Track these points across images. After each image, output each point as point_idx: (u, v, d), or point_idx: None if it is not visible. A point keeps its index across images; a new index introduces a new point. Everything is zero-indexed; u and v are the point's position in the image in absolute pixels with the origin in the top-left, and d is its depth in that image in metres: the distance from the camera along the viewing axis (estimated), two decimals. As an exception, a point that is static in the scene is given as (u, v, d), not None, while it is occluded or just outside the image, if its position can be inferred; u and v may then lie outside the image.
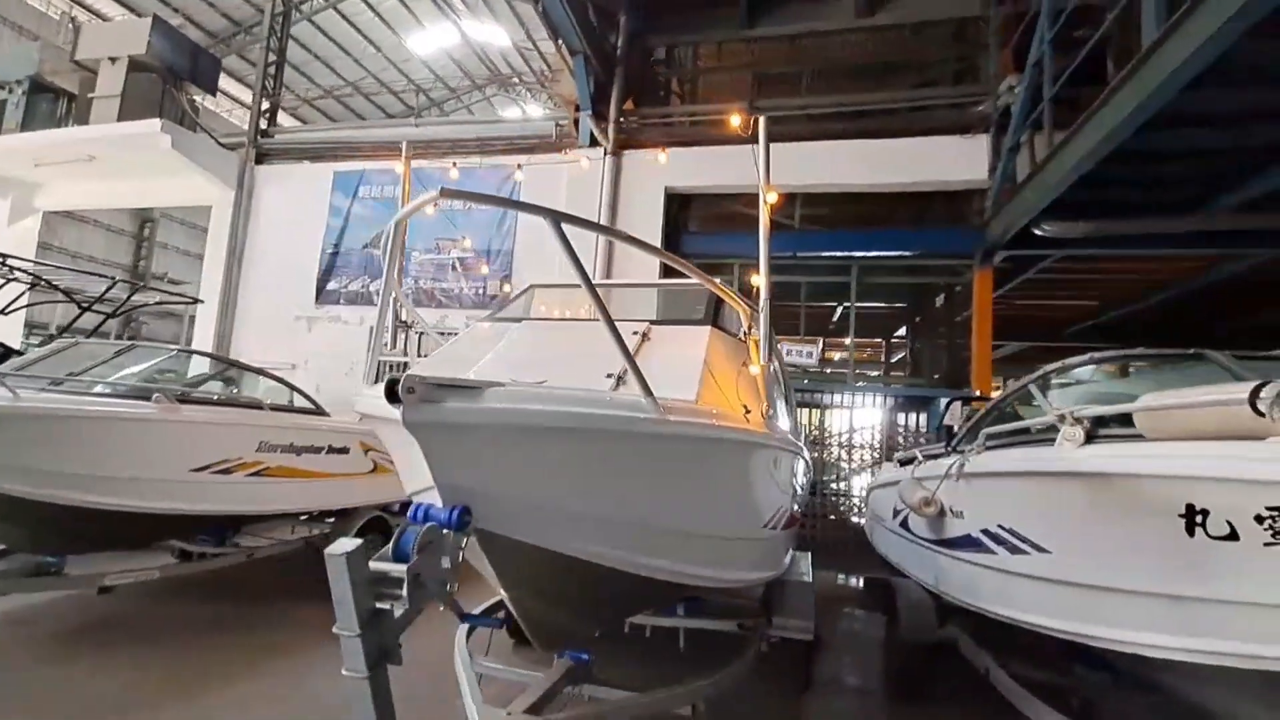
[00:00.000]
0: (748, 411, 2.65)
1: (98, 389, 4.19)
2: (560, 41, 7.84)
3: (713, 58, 9.43)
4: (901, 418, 10.22)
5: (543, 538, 2.18)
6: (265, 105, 9.96)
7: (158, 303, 12.46)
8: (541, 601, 2.43)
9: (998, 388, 8.66)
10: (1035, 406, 3.39)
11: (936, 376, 11.61)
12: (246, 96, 11.35)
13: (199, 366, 5.80)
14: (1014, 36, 7.66)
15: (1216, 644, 2.06)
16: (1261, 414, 1.80)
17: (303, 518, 6.03)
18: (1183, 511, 2.05)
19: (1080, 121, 5.48)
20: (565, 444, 2.03)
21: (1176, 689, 2.87)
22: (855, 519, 8.54)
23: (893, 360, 12.62)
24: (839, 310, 10.69)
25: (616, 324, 3.24)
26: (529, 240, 8.81)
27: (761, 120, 3.04)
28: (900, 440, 10.10)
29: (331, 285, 9.15)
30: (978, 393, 7.14)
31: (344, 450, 5.55)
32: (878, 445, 9.00)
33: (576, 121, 8.74)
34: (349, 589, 1.63)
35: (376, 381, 2.74)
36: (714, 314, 3.38)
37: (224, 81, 12.27)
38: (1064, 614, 2.64)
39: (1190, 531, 2.04)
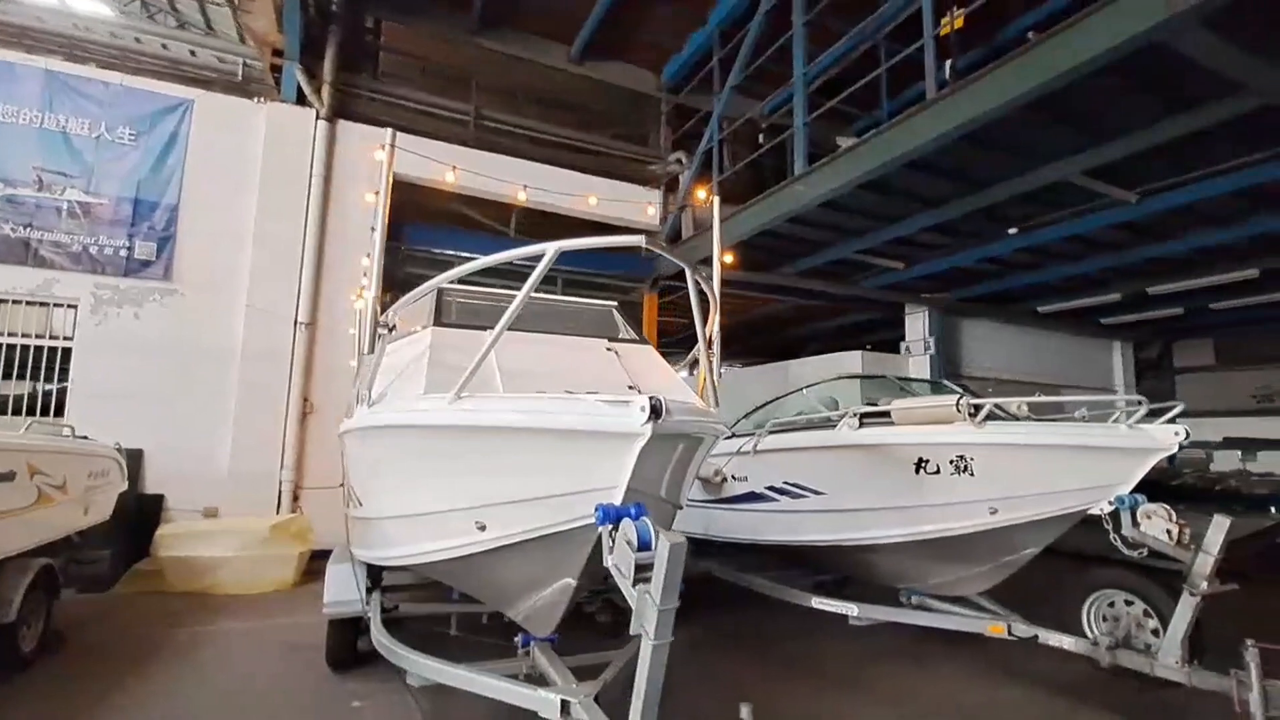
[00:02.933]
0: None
1: None
2: (275, -27, 6.63)
3: (430, 45, 9.20)
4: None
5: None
6: None
7: None
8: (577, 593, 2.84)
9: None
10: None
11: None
12: None
13: None
14: (678, 124, 10.14)
15: (921, 529, 4.05)
16: (959, 412, 3.78)
17: None
18: (915, 461, 3.96)
19: (743, 208, 7.98)
20: (686, 446, 2.64)
21: (846, 570, 5.01)
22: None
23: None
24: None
25: (579, 339, 3.71)
26: (201, 196, 7.03)
27: (716, 200, 3.95)
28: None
29: None
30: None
31: (9, 477, 3.87)
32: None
33: (276, 69, 7.42)
34: (679, 572, 2.01)
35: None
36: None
37: None
38: (834, 531, 4.44)
39: (917, 472, 3.97)
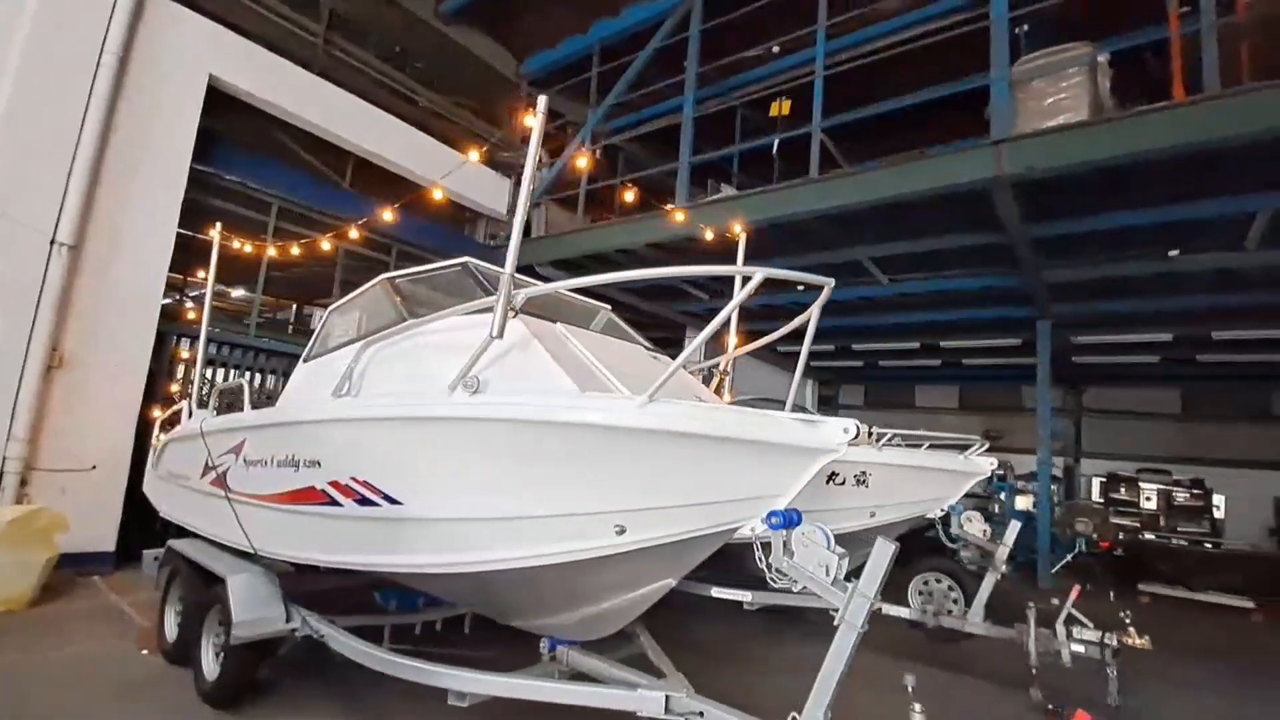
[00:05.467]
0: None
1: None
2: None
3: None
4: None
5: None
6: None
7: None
8: None
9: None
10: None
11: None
12: None
13: None
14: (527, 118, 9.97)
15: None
16: (869, 438, 4.85)
17: None
18: (829, 476, 4.92)
19: (602, 226, 8.40)
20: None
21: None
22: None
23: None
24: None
25: (626, 345, 3.78)
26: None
27: (743, 239, 4.27)
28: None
29: None
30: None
31: None
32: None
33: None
34: (890, 570, 2.35)
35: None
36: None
37: None
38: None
39: (828, 483, 4.93)
